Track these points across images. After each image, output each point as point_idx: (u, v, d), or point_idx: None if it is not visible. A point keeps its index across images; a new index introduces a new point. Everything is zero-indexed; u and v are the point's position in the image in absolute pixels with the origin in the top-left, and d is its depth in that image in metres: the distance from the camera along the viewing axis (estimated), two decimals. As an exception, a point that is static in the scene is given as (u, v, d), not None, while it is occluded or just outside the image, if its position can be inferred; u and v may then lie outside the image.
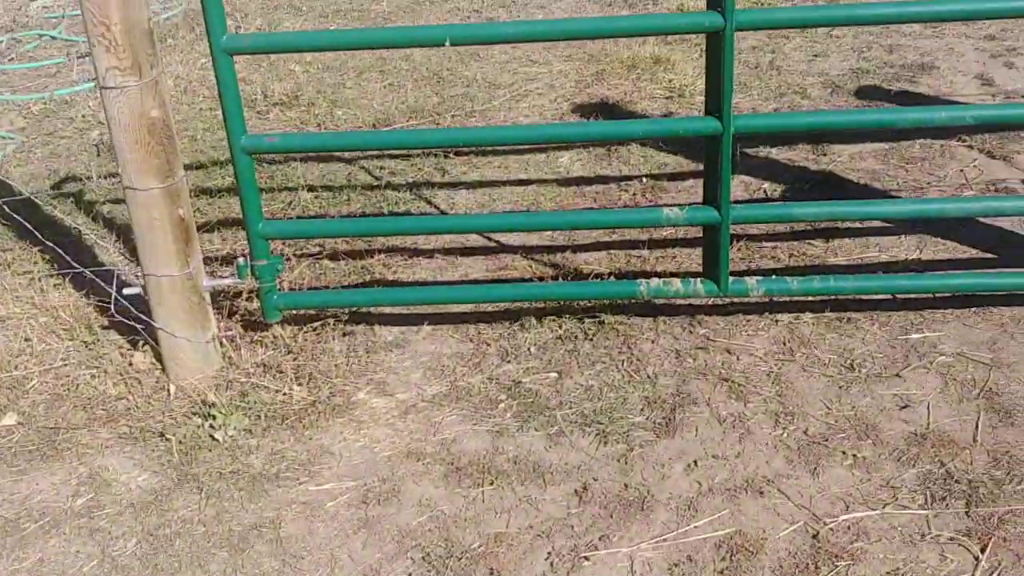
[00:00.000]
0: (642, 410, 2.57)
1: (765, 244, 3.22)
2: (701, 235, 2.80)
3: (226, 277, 2.88)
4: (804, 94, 4.21)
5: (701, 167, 3.72)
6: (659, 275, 3.06)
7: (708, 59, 2.53)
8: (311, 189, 3.87)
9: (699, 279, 2.74)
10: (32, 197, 3.83)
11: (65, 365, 2.97)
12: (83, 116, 5.03)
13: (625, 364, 2.73)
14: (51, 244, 3.31)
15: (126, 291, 2.85)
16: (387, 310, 3.06)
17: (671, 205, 3.40)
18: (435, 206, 3.70)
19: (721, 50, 2.44)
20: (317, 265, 3.34)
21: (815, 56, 4.57)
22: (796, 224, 3.25)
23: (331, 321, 3.01)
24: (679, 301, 2.91)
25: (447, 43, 2.54)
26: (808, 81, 4.32)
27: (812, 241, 3.20)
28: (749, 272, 3.06)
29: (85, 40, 6.23)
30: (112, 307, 2.93)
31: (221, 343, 2.92)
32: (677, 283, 2.73)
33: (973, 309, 2.77)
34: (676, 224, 2.70)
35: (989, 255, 3.02)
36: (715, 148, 2.56)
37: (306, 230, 3.03)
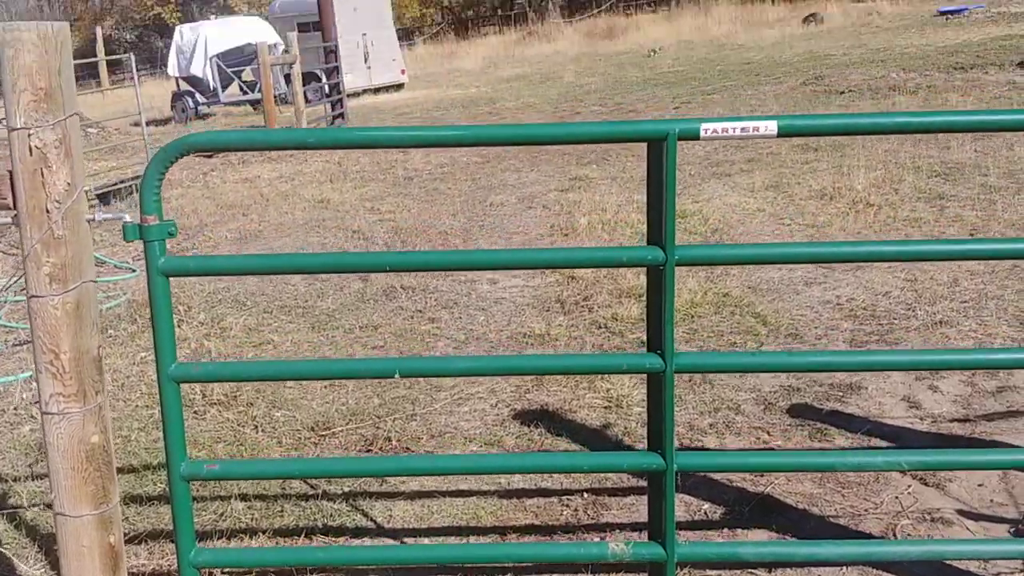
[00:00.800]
0: None
1: (709, 572, 3.18)
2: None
3: (151, 607, 2.74)
4: (738, 410, 4.31)
5: (642, 483, 3.74)
6: (603, 606, 2.99)
7: (650, 398, 2.60)
8: (243, 498, 3.77)
9: (645, 616, 2.67)
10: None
11: None
12: (15, 408, 4.93)
13: None
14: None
15: (41, 621, 2.69)
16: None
17: (616, 529, 3.40)
18: (372, 519, 3.62)
19: (662, 390, 2.51)
20: (246, 585, 3.21)
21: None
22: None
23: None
24: (624, 637, 2.82)
25: (396, 375, 2.58)
26: (741, 397, 4.44)
27: (755, 571, 3.17)
28: (694, 604, 3.00)
29: (25, 327, 6.24)
30: (24, 638, 2.75)
31: None
32: (623, 621, 2.65)
33: (922, 652, 2.73)
34: (622, 560, 2.66)
35: (932, 590, 3.01)
36: (659, 484, 2.58)
37: (242, 560, 2.92)
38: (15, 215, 2.43)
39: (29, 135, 2.33)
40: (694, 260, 2.49)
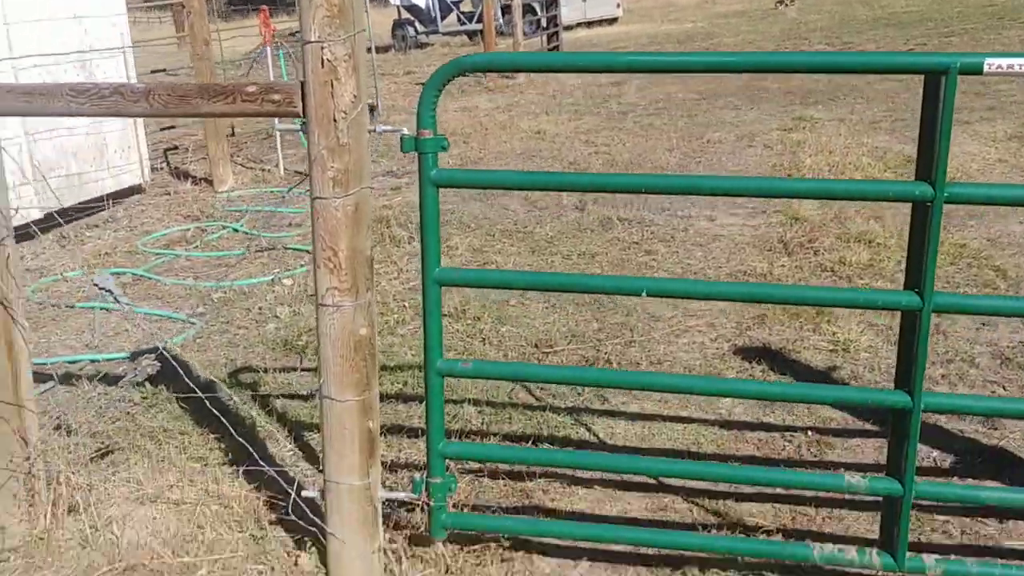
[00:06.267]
0: None
1: (937, 517, 3.14)
2: (871, 500, 2.76)
3: (400, 491, 2.96)
4: (972, 363, 4.16)
5: (867, 426, 3.71)
6: (829, 537, 3.01)
7: (902, 336, 2.57)
8: (475, 403, 3.99)
9: (875, 550, 2.68)
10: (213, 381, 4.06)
11: (233, 557, 3.06)
12: (259, 308, 5.35)
13: (793, 632, 2.66)
14: (237, 436, 3.44)
15: (304, 493, 2.95)
16: (547, 539, 3.07)
17: (852, 469, 3.38)
18: (595, 434, 3.75)
19: (916, 329, 2.48)
20: (477, 482, 3.40)
21: (982, 324, 4.54)
22: (970, 500, 3.16)
23: (492, 545, 3.03)
24: (849, 569, 2.84)
25: (644, 294, 2.67)
26: (976, 350, 4.28)
27: (986, 520, 3.10)
28: (921, 546, 2.97)
29: (266, 236, 6.72)
30: (288, 507, 3.04)
31: (385, 553, 2.97)
32: (852, 552, 2.67)
33: None
34: (857, 492, 2.66)
35: None
36: (903, 422, 2.56)
37: (486, 454, 3.12)
38: (303, 122, 2.63)
39: (322, 48, 2.50)
40: (966, 198, 2.43)
